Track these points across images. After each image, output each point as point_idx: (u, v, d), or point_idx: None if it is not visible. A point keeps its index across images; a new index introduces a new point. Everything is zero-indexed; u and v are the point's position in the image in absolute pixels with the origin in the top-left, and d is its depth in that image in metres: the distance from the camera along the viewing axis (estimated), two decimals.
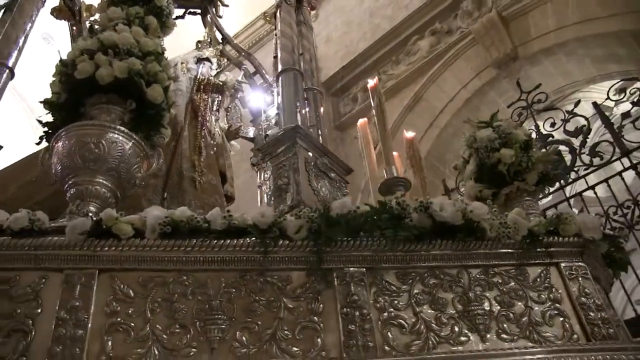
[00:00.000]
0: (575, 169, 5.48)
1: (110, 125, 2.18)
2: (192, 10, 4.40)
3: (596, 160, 5.36)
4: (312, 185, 2.83)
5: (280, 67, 3.51)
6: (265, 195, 3.11)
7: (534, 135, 5.70)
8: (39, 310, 1.71)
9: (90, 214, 2.00)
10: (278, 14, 3.75)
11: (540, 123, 5.89)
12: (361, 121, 3.16)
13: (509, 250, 2.20)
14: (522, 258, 2.21)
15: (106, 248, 1.83)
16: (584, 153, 5.48)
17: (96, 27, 2.44)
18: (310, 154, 3.00)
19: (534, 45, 6.47)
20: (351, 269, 2.00)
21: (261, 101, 4.13)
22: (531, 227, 2.22)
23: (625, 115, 5.32)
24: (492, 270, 2.17)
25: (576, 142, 5.70)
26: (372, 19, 8.12)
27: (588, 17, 6.10)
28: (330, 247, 1.97)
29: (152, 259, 1.87)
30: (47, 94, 2.17)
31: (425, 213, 2.05)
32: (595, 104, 5.63)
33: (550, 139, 5.84)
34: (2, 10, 3.15)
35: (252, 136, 4.22)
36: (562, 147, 5.88)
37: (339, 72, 7.79)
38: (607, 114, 5.67)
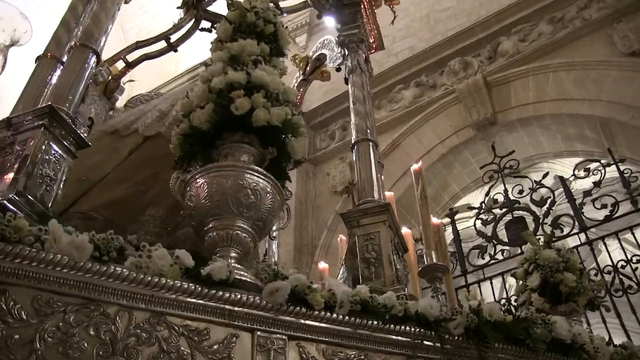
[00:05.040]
0: (537, 237, 6.20)
1: (268, 175, 2.26)
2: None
3: (557, 232, 6.12)
4: (394, 262, 2.97)
5: (354, 136, 3.67)
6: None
7: (501, 199, 6.54)
8: None
9: (232, 260, 2.08)
10: (350, 78, 4.00)
11: (509, 187, 6.65)
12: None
13: None
14: None
15: (301, 317, 1.92)
16: (546, 223, 6.25)
17: (230, 51, 2.51)
18: (392, 232, 3.16)
19: (513, 114, 7.35)
20: None
21: None
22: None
23: (587, 193, 6.12)
24: None
25: (539, 211, 6.47)
26: None
27: (564, 96, 7.03)
28: (486, 347, 2.22)
29: (339, 334, 1.99)
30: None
31: (547, 328, 2.43)
32: (561, 179, 6.48)
33: (517, 205, 6.61)
34: None
35: None
36: (526, 214, 6.70)
37: (320, 107, 8.42)
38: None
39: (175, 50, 4.99)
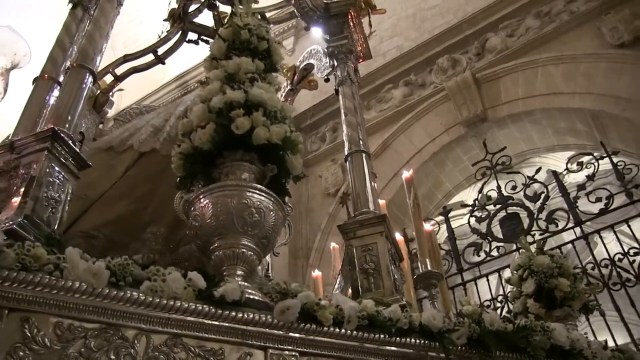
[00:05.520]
0: (532, 233, 6.29)
1: (270, 193, 2.33)
2: (205, 38, 4.92)
3: (552, 227, 6.20)
4: (392, 272, 3.04)
5: (347, 147, 3.76)
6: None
7: (495, 196, 6.62)
8: None
9: (238, 278, 2.16)
10: (341, 89, 4.08)
11: (502, 184, 6.72)
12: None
13: None
14: None
15: (311, 333, 1.98)
16: (541, 219, 6.33)
17: (227, 69, 2.56)
18: (388, 242, 3.23)
19: (503, 110, 7.44)
20: None
21: None
22: None
23: (581, 187, 6.20)
24: None
25: (533, 206, 6.55)
26: None
27: (553, 90, 7.11)
28: (489, 356, 2.31)
29: (347, 348, 2.06)
30: None
31: (547, 335, 2.50)
32: (555, 173, 6.55)
33: (510, 201, 6.69)
34: (70, 5, 3.28)
35: None
36: (520, 210, 6.78)
37: (309, 109, 8.48)
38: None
39: (163, 63, 5.05)
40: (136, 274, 1.66)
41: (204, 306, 1.74)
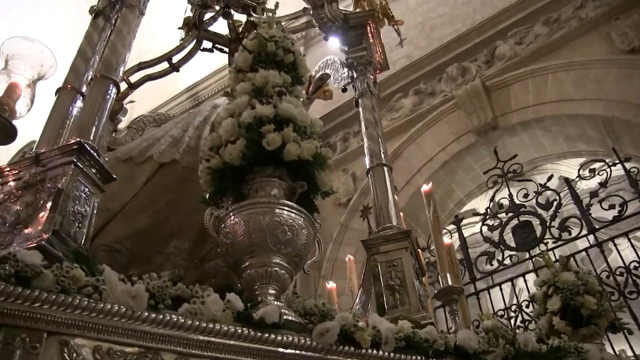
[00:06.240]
0: (545, 241, 6.25)
1: (302, 210, 2.32)
2: (219, 46, 4.93)
3: (565, 235, 6.15)
4: (418, 288, 3.02)
5: (369, 161, 3.71)
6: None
7: (507, 204, 6.58)
8: None
9: (271, 297, 2.14)
10: (361, 101, 4.07)
11: (513, 191, 6.68)
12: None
13: None
14: None
15: (349, 356, 1.94)
16: (554, 226, 6.28)
17: (255, 82, 2.53)
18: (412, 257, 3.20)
19: (513, 117, 7.40)
20: None
21: None
22: None
23: (594, 194, 6.15)
24: None
25: (546, 214, 6.51)
26: None
27: (564, 97, 7.08)
28: None
29: None
30: None
31: (581, 357, 2.51)
32: (567, 180, 6.51)
33: (523, 209, 6.65)
34: (93, 15, 3.26)
35: None
36: (532, 218, 6.74)
37: (320, 118, 8.41)
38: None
39: (178, 71, 5.04)
40: (174, 295, 1.62)
41: (243, 329, 1.70)
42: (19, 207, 2.22)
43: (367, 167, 3.70)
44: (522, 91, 7.42)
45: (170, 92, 10.87)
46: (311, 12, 4.35)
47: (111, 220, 3.08)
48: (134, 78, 4.80)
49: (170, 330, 1.58)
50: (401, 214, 3.78)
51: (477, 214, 7.35)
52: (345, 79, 4.38)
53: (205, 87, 10.88)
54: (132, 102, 5.35)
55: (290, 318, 1.95)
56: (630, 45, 6.66)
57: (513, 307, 6.22)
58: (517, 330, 5.88)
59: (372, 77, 4.19)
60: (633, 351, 4.83)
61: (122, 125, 5.00)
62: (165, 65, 4.92)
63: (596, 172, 6.38)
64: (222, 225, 2.29)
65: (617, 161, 6.09)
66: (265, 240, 2.19)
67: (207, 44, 4.97)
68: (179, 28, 5.02)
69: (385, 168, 3.63)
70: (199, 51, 4.96)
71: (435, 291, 3.03)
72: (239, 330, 1.69)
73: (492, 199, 6.93)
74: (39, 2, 10.39)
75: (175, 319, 1.58)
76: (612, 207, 6.00)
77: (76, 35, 3.43)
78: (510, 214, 6.72)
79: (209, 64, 5.32)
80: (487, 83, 7.64)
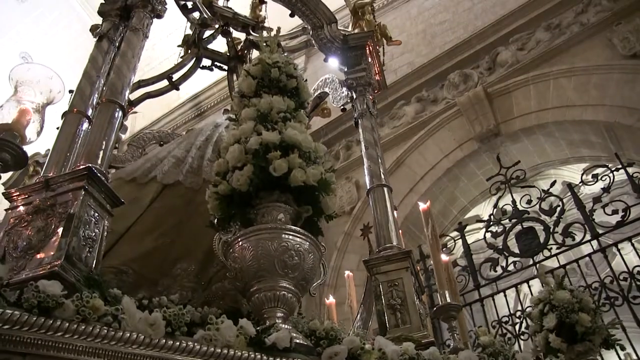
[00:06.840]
0: (548, 247, 6.29)
1: (309, 235, 2.37)
2: (218, 64, 4.97)
3: (568, 240, 6.19)
4: (418, 307, 3.06)
5: (369, 181, 3.77)
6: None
7: (510, 210, 6.62)
8: None
9: (279, 320, 2.18)
10: (360, 122, 4.11)
11: (517, 198, 6.72)
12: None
13: None
14: None
15: None
16: (557, 232, 6.32)
17: (260, 109, 2.58)
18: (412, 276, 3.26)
19: (516, 124, 7.44)
20: None
21: None
22: None
23: (597, 199, 6.19)
24: None
25: (549, 220, 6.55)
26: None
27: (566, 103, 7.12)
28: None
29: None
30: None
31: None
32: (570, 186, 6.56)
33: (526, 215, 6.69)
34: (97, 38, 3.34)
35: None
36: (536, 224, 6.77)
37: (322, 128, 8.47)
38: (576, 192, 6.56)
39: (177, 89, 5.07)
40: (189, 322, 1.68)
41: (257, 354, 1.76)
42: (30, 232, 2.27)
43: (368, 187, 3.77)
44: (524, 97, 7.46)
45: (173, 103, 10.95)
46: (310, 32, 4.39)
47: (117, 242, 3.11)
48: (133, 96, 4.84)
49: (187, 356, 1.63)
50: (400, 231, 3.85)
51: (481, 221, 7.40)
52: (344, 98, 4.45)
53: (208, 97, 10.97)
54: (135, 112, 5.38)
55: (300, 341, 1.99)
56: (632, 51, 6.69)
57: (517, 314, 6.26)
58: (521, 337, 5.94)
59: (371, 98, 4.25)
60: (636, 353, 4.89)
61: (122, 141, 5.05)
62: (165, 82, 4.96)
63: (599, 178, 6.42)
64: (231, 250, 2.34)
65: (620, 166, 6.15)
66: (273, 265, 2.24)
67: (206, 62, 5.01)
68: (179, 46, 5.06)
69: (385, 188, 3.69)
70: (199, 69, 5.00)
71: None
72: (252, 355, 1.74)
73: (495, 206, 6.99)
74: (40, 17, 10.45)
75: (192, 346, 1.64)
76: (615, 212, 6.06)
77: (77, 49, 3.47)
78: (513, 220, 6.78)
79: (211, 73, 5.34)
80: (489, 90, 7.68)
